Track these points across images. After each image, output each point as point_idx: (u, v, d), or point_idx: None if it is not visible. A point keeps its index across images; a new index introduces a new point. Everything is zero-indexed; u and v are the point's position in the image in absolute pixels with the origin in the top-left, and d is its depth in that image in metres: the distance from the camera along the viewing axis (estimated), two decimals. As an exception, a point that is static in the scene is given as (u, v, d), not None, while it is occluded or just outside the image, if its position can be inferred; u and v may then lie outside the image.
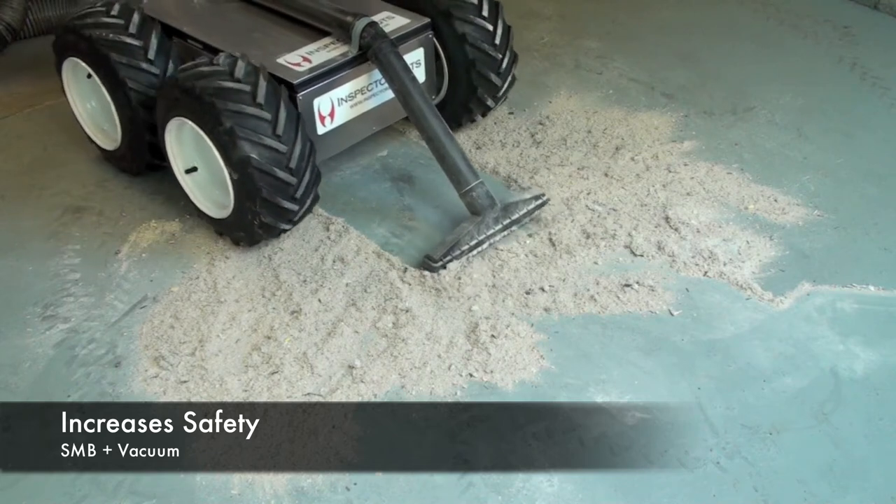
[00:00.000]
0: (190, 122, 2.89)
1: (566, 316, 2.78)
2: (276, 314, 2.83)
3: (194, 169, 3.06)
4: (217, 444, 2.41)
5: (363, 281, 2.93)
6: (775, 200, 3.25)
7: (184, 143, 3.09)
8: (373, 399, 2.53)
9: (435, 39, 3.36)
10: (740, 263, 2.95)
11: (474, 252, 2.96)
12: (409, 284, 2.90)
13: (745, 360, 2.60)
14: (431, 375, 2.58)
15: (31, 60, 4.47)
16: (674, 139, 3.64)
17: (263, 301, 2.89)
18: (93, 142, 3.54)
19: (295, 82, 2.97)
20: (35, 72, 4.39)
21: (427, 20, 3.31)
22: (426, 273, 2.93)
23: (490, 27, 3.33)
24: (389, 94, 3.20)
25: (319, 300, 2.87)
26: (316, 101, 3.05)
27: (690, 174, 3.40)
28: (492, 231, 3.00)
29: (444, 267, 2.90)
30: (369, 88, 3.19)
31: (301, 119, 2.87)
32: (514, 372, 2.59)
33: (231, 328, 2.79)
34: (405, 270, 2.96)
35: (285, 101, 2.83)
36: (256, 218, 2.87)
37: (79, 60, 3.26)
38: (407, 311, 2.79)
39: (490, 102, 3.51)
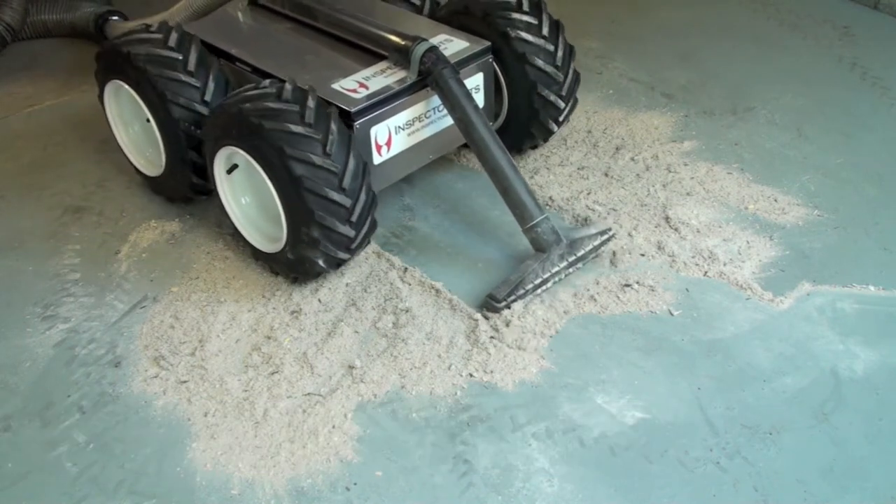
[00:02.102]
0: (239, 151, 2.75)
1: (566, 316, 2.78)
2: (276, 314, 2.83)
3: (235, 167, 2.88)
4: (217, 444, 2.42)
5: (363, 281, 2.94)
6: (775, 200, 3.25)
7: (233, 175, 2.94)
8: (373, 399, 2.53)
9: (494, 63, 3.19)
10: (740, 263, 2.95)
11: (539, 291, 2.81)
12: (409, 284, 2.90)
13: (745, 360, 2.60)
14: (431, 375, 2.59)
15: (30, 60, 4.48)
16: (674, 139, 3.64)
17: (263, 301, 2.89)
18: (137, 170, 3.41)
19: (352, 110, 2.80)
20: (35, 72, 4.40)
21: (487, 43, 3.13)
22: (426, 275, 2.93)
23: (551, 47, 3.17)
24: (447, 122, 3.06)
25: (319, 300, 2.87)
26: (373, 130, 2.89)
27: (690, 174, 3.40)
28: (557, 269, 2.84)
29: (508, 307, 2.74)
30: (427, 116, 3.04)
31: (353, 139, 2.72)
32: (514, 372, 2.59)
33: (231, 328, 2.79)
34: (405, 270, 2.96)
35: (335, 120, 2.68)
36: (311, 247, 2.70)
37: (121, 83, 3.13)
38: (407, 311, 2.79)
39: (552, 126, 3.31)
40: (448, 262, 3.03)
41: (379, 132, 2.90)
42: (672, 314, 2.77)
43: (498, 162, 2.87)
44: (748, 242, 3.05)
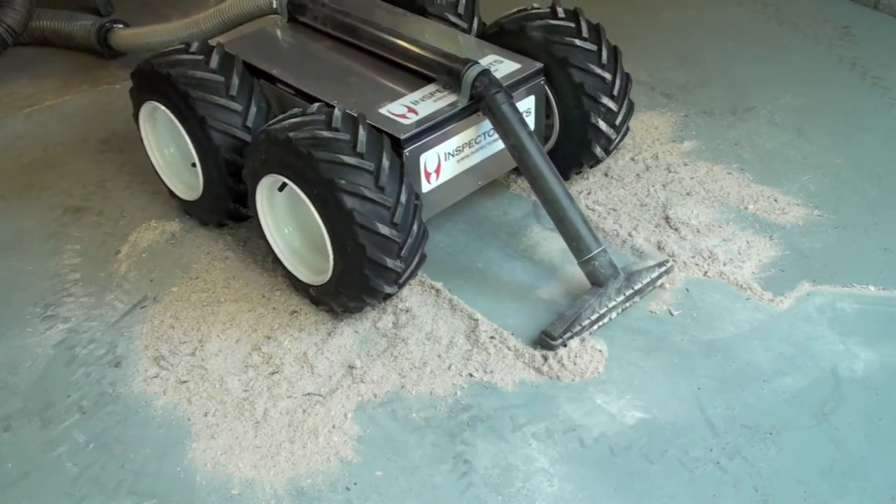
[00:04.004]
0: (283, 179, 2.63)
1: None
2: (276, 314, 2.83)
3: (284, 186, 2.69)
4: (217, 444, 2.42)
5: (363, 281, 2.94)
6: (775, 200, 3.25)
7: (275, 203, 2.83)
8: (373, 399, 2.53)
9: (546, 86, 3.04)
10: (740, 263, 2.95)
11: (595, 327, 2.69)
12: (409, 284, 2.90)
13: (745, 360, 2.60)
14: (431, 375, 2.58)
15: (30, 61, 4.48)
16: (674, 139, 3.64)
17: (263, 301, 2.89)
18: (171, 193, 3.27)
19: (402, 137, 2.65)
20: (35, 72, 4.40)
21: (539, 65, 2.97)
22: (425, 275, 2.93)
23: (609, 76, 3.02)
24: (496, 147, 2.92)
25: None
26: (423, 157, 2.73)
27: (690, 174, 3.40)
28: (614, 303, 2.72)
29: (564, 345, 2.61)
30: (477, 141, 2.88)
31: (405, 170, 2.60)
32: (514, 372, 2.59)
33: (231, 328, 2.79)
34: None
35: (388, 150, 2.55)
36: (358, 282, 2.58)
37: (157, 104, 3.01)
38: (407, 311, 2.79)
39: (601, 154, 3.19)
40: (449, 263, 3.04)
41: (428, 159, 2.76)
42: (672, 314, 2.77)
43: (553, 191, 2.73)
44: (748, 242, 3.05)
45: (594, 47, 3.02)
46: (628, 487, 2.26)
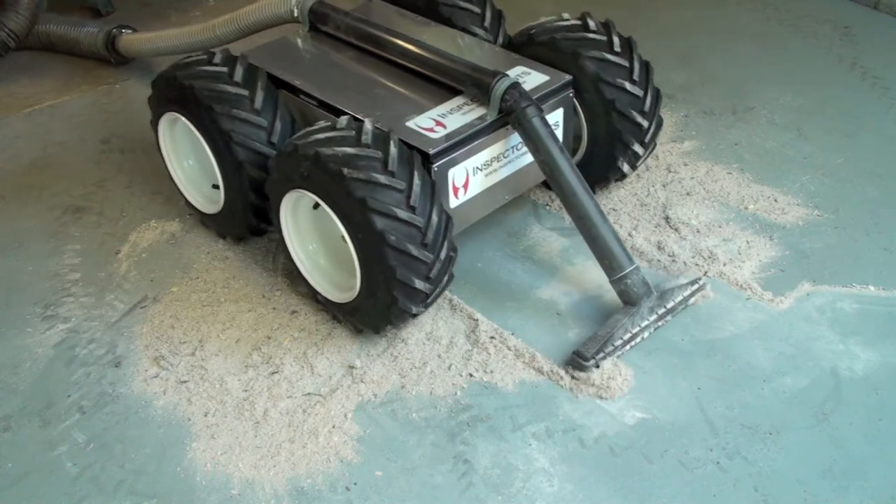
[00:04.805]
0: (310, 195, 2.55)
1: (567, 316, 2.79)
2: (276, 314, 2.83)
3: (318, 204, 2.60)
4: (217, 444, 2.42)
5: (363, 281, 2.94)
6: (775, 200, 3.25)
7: (300, 219, 2.77)
8: (373, 399, 2.53)
9: (574, 99, 2.96)
10: (740, 263, 2.95)
11: (628, 347, 2.63)
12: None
13: (745, 360, 2.60)
14: (431, 375, 2.58)
15: (30, 62, 4.48)
16: (674, 139, 3.64)
17: (263, 301, 2.89)
18: (190, 205, 3.20)
19: (431, 151, 2.56)
20: (35, 72, 4.40)
21: (568, 77, 2.89)
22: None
23: (640, 93, 2.95)
24: (525, 161, 2.85)
25: (319, 300, 2.87)
26: (451, 172, 2.65)
27: (690, 174, 3.40)
28: (647, 322, 2.66)
29: (597, 366, 2.55)
30: (505, 155, 2.80)
31: (436, 188, 2.53)
32: (514, 372, 2.59)
33: (231, 328, 2.79)
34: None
35: (419, 168, 2.47)
36: (387, 302, 2.51)
37: (178, 115, 2.93)
38: (407, 311, 2.80)
39: (628, 170, 3.12)
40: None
41: (457, 174, 2.68)
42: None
43: (586, 208, 2.65)
44: (748, 242, 3.05)
45: (626, 63, 2.94)
46: (628, 487, 2.26)
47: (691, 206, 3.23)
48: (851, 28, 4.46)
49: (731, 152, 3.55)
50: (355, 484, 2.30)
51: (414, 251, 2.41)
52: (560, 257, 3.03)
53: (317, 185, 2.50)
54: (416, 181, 2.43)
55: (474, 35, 3.29)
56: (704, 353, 2.63)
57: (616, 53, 2.94)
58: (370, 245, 2.42)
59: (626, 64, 2.95)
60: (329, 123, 2.57)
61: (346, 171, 2.38)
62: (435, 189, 2.51)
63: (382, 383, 2.57)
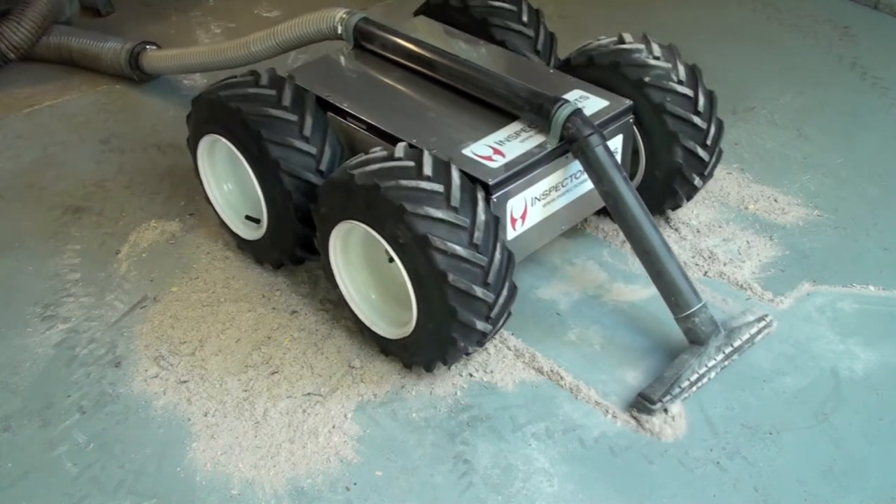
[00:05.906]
0: (365, 228, 2.41)
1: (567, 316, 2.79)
2: (276, 314, 2.84)
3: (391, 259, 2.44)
4: (217, 444, 2.42)
5: (363, 281, 2.94)
6: (775, 200, 3.25)
7: (350, 251, 2.63)
8: (373, 399, 2.53)
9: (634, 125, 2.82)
10: (740, 263, 2.95)
11: (694, 388, 2.50)
12: (409, 284, 2.90)
13: (745, 360, 2.60)
14: (431, 375, 2.58)
15: (30, 61, 4.47)
16: (674, 139, 3.64)
17: (263, 301, 2.89)
18: (228, 229, 3.07)
19: (491, 182, 2.41)
20: (34, 73, 4.39)
21: (629, 102, 2.73)
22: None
23: (704, 125, 2.79)
24: (582, 189, 2.71)
25: (319, 300, 2.87)
26: (509, 203, 2.50)
27: (690, 174, 3.40)
28: (714, 363, 2.53)
29: (664, 409, 2.43)
30: (564, 184, 2.64)
31: (500, 224, 2.38)
32: (514, 372, 2.59)
33: (231, 328, 2.79)
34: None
35: (482, 203, 2.33)
36: (444, 341, 2.39)
37: (220, 138, 2.80)
38: (407, 311, 2.80)
39: (697, 181, 2.90)
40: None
41: (515, 205, 2.53)
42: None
43: (651, 243, 2.52)
44: (748, 242, 3.05)
45: (691, 93, 2.79)
46: (628, 487, 2.26)
47: (691, 205, 3.23)
48: (851, 28, 4.46)
49: (731, 152, 3.54)
50: (355, 484, 2.30)
51: (476, 291, 2.29)
52: (560, 257, 3.03)
53: (374, 219, 2.37)
54: (480, 217, 2.30)
55: (526, 57, 3.15)
56: (704, 353, 2.63)
57: (680, 82, 2.80)
58: (430, 284, 2.30)
59: (692, 94, 2.80)
60: (385, 152, 2.43)
61: (408, 206, 2.25)
62: (498, 225, 2.37)
63: (382, 383, 2.57)
